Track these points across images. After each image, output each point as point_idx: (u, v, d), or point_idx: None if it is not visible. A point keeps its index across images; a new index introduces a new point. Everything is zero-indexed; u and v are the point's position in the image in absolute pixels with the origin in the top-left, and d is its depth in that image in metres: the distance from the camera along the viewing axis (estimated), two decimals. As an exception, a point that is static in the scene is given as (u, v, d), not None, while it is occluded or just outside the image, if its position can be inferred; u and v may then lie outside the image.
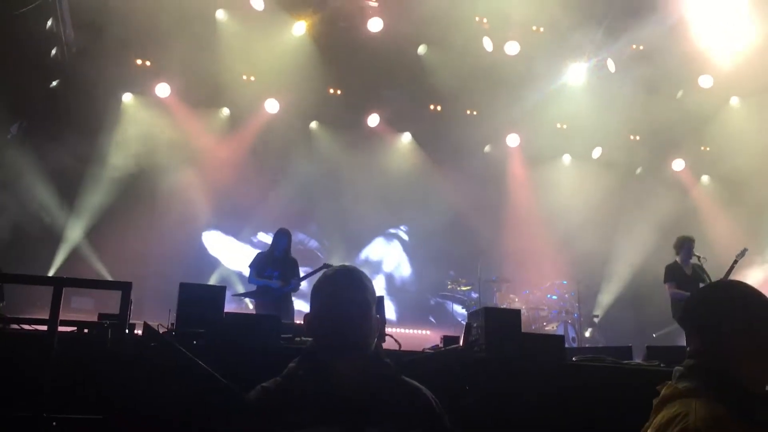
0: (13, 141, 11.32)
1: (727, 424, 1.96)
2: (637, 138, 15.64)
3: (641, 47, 13.46)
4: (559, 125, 15.39)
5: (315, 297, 2.48)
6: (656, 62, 13.43)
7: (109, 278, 12.19)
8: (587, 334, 13.42)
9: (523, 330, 6.24)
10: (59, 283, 4.76)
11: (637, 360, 6.61)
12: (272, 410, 2.27)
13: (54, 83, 11.86)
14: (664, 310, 10.05)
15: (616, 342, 11.48)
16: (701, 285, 9.60)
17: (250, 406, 2.32)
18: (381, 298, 7.05)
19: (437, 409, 2.49)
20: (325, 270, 2.61)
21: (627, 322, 14.18)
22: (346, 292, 2.42)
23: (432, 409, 2.47)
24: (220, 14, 12.43)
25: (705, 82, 14.00)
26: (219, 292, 6.18)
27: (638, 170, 16.24)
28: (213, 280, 13.22)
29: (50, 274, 11.67)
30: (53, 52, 11.34)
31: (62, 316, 4.83)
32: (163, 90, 13.36)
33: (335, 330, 2.36)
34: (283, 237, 9.74)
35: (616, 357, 6.25)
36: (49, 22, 10.78)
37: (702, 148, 15.84)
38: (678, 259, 9.78)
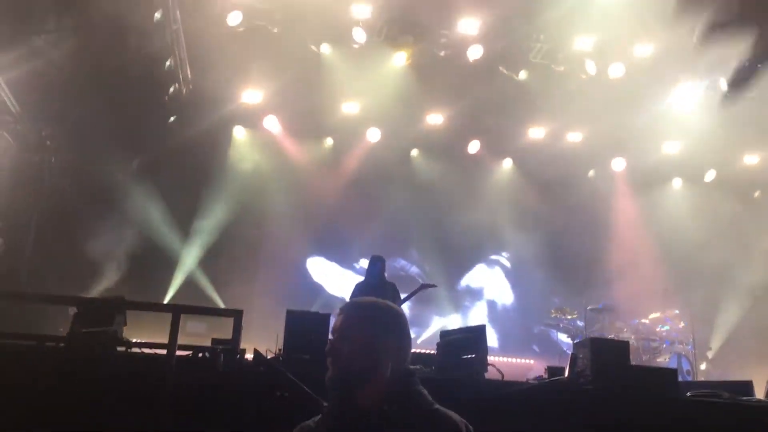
0: (134, 175, 12.09)
1: None
2: (755, 160, 14.81)
3: (758, 65, 12.76)
4: (667, 148, 14.82)
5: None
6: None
7: (220, 302, 12.77)
8: (702, 367, 12.70)
9: (632, 362, 6.04)
10: (177, 310, 5.04)
11: (758, 396, 6.21)
12: None
13: (172, 119, 12.61)
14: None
15: (735, 376, 10.81)
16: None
17: None
18: (482, 327, 7.02)
19: None
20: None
21: (747, 355, 13.32)
22: (343, 327, 2.50)
23: None
24: (325, 48, 12.86)
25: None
26: (323, 319, 6.35)
27: (756, 193, 15.34)
28: (317, 306, 13.51)
29: (167, 299, 12.32)
30: (171, 89, 12.07)
31: (178, 340, 5.12)
32: (270, 122, 13.98)
33: (337, 364, 2.46)
34: (375, 263, 9.79)
35: (735, 393, 5.91)
36: (168, 62, 11.49)
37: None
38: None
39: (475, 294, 15.40)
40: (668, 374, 6.05)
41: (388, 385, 2.43)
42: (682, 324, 12.68)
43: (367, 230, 14.25)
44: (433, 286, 10.16)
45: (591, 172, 15.62)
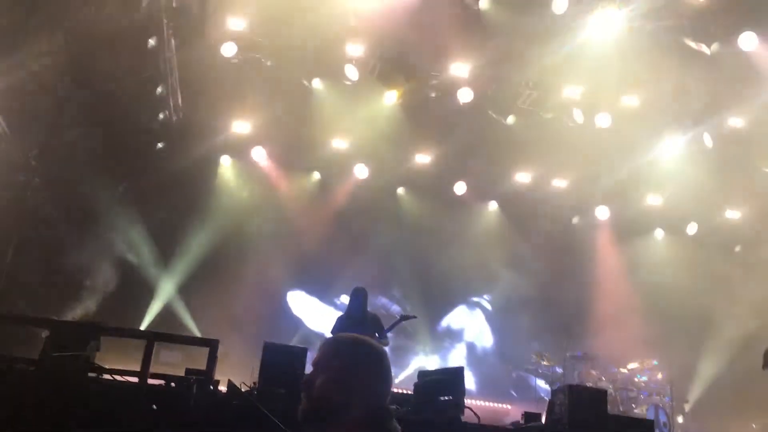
0: (119, 199, 12.00)
1: None
2: (737, 215, 15.01)
3: (740, 122, 13.01)
4: (651, 199, 15.00)
5: None
6: (756, 137, 12.94)
7: (197, 332, 12.58)
8: (680, 420, 12.64)
9: (609, 411, 6.00)
10: (152, 337, 4.97)
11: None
12: None
13: (160, 145, 12.59)
14: (765, 398, 9.40)
15: (712, 430, 10.78)
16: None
17: None
18: (461, 369, 6.97)
19: None
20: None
21: (724, 409, 13.29)
22: (320, 360, 2.45)
23: None
24: (316, 83, 12.97)
25: (810, 159, 13.36)
26: (301, 353, 6.28)
27: (737, 248, 15.50)
28: (295, 340, 13.37)
29: (143, 326, 12.14)
30: (161, 116, 12.08)
31: (151, 369, 5.03)
32: (258, 154, 14.00)
33: (310, 397, 2.40)
34: (356, 297, 9.65)
35: (711, 447, 5.88)
36: (160, 88, 11.52)
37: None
38: (780, 344, 9.19)
39: (455, 335, 15.32)
40: (645, 425, 6.02)
41: (361, 424, 2.39)
42: (660, 375, 12.66)
43: (350, 266, 14.18)
44: (413, 317, 10.09)
45: (575, 219, 15.73)
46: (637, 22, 11.03)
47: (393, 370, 2.63)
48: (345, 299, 14.31)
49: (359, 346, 2.54)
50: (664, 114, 13.12)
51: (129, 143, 11.67)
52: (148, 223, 12.36)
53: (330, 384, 2.43)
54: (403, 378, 13.64)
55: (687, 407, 13.40)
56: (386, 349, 2.72)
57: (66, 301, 10.67)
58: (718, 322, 14.07)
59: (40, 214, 10.21)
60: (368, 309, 9.79)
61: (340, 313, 10.59)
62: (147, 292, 12.71)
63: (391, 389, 2.56)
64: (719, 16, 10.86)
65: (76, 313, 10.59)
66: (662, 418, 11.90)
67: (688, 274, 14.13)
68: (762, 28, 10.75)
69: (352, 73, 12.42)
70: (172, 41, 10.91)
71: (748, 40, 10.85)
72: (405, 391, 9.45)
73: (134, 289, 12.31)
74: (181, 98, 12.32)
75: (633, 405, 12.15)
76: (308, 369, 6.46)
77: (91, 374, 5.39)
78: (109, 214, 11.63)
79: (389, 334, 9.45)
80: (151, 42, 10.34)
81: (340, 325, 9.54)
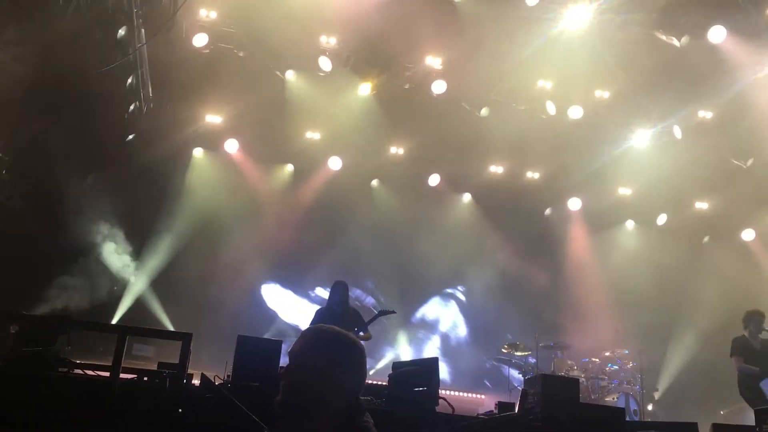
0: (89, 191, 11.82)
1: None
2: (705, 206, 15.26)
3: (709, 114, 13.23)
4: (622, 190, 15.19)
5: None
6: (725, 130, 13.17)
7: (170, 326, 12.48)
8: (650, 407, 12.84)
9: (581, 400, 6.07)
10: (124, 331, 4.91)
11: (703, 439, 6.30)
12: None
13: (130, 137, 12.41)
14: (732, 386, 9.59)
15: (681, 417, 10.97)
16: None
17: None
18: (435, 360, 6.99)
19: None
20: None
21: (693, 397, 13.56)
22: (299, 352, 2.48)
23: None
24: (290, 74, 12.88)
25: (777, 151, 13.60)
26: (275, 346, 6.24)
27: (705, 239, 15.77)
28: (270, 333, 13.33)
29: (115, 320, 12.00)
30: (131, 107, 11.89)
31: (124, 363, 4.97)
32: (231, 146, 13.88)
33: (288, 389, 2.44)
34: (338, 289, 9.68)
35: (680, 434, 5.99)
36: (130, 79, 11.33)
37: (774, 218, 15.30)
38: (746, 333, 9.40)
39: (429, 326, 15.39)
40: (616, 413, 6.10)
41: (336, 416, 2.38)
42: (631, 364, 12.86)
43: (324, 259, 14.17)
44: (392, 312, 10.10)
45: (548, 211, 15.88)
46: (608, 15, 11.11)
47: (368, 362, 2.64)
48: (320, 291, 14.37)
49: (340, 341, 2.54)
50: (635, 106, 13.26)
51: (99, 134, 11.47)
52: (119, 216, 12.19)
53: (306, 377, 2.42)
54: (378, 369, 13.68)
55: (657, 395, 13.65)
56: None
57: (35, 295, 10.49)
58: (687, 311, 14.34)
59: (8, 207, 10.02)
60: (348, 302, 9.83)
61: (315, 306, 10.58)
62: (118, 286, 12.56)
63: (365, 382, 2.56)
64: (689, 10, 10.98)
65: (45, 307, 10.42)
66: (633, 406, 12.09)
67: (658, 265, 14.36)
68: (731, 22, 10.90)
69: (325, 64, 12.35)
70: (143, 31, 10.72)
71: (717, 34, 11.00)
72: (379, 383, 9.47)
73: (105, 282, 12.15)
74: (152, 89, 12.13)
75: (604, 394, 12.34)
76: (284, 361, 6.45)
77: (61, 369, 5.31)
78: (79, 206, 11.45)
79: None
80: (121, 32, 10.14)
81: (320, 318, 9.51)
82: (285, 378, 2.43)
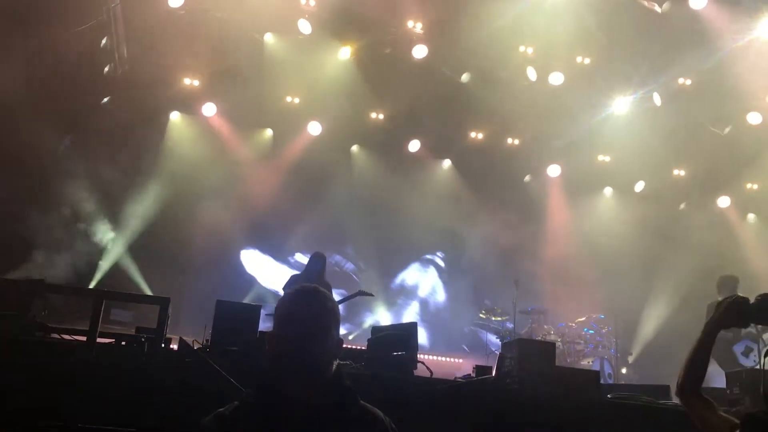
0: (64, 153, 11.62)
1: None
2: (682, 173, 15.39)
3: (688, 81, 13.27)
4: (601, 157, 15.25)
5: (275, 316, 2.44)
6: (704, 97, 13.23)
7: (149, 291, 12.41)
8: (624, 371, 13.09)
9: (557, 364, 6.16)
10: (100, 295, 4.87)
11: (675, 401, 6.43)
12: None
13: (105, 99, 12.18)
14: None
15: (654, 380, 11.20)
16: (744, 326, 9.35)
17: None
18: (414, 324, 7.05)
19: None
20: (290, 290, 2.57)
21: (665, 360, 13.82)
22: (304, 313, 2.38)
23: None
24: (268, 37, 12.66)
25: (754, 119, 13.71)
26: (254, 310, 6.25)
27: (682, 206, 15.94)
28: (249, 298, 13.32)
29: (92, 285, 11.90)
30: (106, 69, 11.66)
31: (102, 328, 4.95)
32: (209, 109, 13.65)
33: (291, 350, 2.33)
34: (317, 261, 9.81)
35: (654, 396, 6.11)
36: (104, 40, 11.09)
37: (749, 185, 15.49)
38: (720, 298, 9.56)
39: (408, 292, 15.47)
40: (591, 376, 6.21)
41: (323, 379, 2.38)
42: (606, 329, 13.06)
43: (304, 224, 14.13)
44: (370, 295, 10.20)
45: (527, 177, 15.90)
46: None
47: (347, 327, 2.63)
48: (299, 257, 14.36)
49: (334, 302, 2.54)
50: (615, 73, 13.26)
51: (73, 96, 11.24)
52: (95, 179, 12.00)
53: (322, 340, 2.40)
54: (357, 334, 13.75)
55: (631, 359, 13.88)
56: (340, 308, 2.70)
57: (9, 260, 10.35)
58: (663, 277, 14.54)
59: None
60: (324, 275, 9.90)
61: (294, 272, 10.60)
62: (95, 251, 12.44)
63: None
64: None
65: (20, 272, 10.30)
66: (607, 370, 12.31)
67: (634, 231, 14.50)
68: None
69: (305, 26, 12.16)
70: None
71: (698, 0, 10.99)
72: (358, 347, 9.54)
73: (82, 246, 12.02)
74: (127, 51, 11.89)
75: (580, 357, 12.54)
76: (262, 326, 6.45)
77: (37, 333, 5.27)
78: (55, 169, 11.27)
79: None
80: (95, -9, 9.91)
81: (292, 282, 9.64)
82: (291, 339, 2.37)
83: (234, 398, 2.39)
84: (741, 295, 3.29)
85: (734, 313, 3.05)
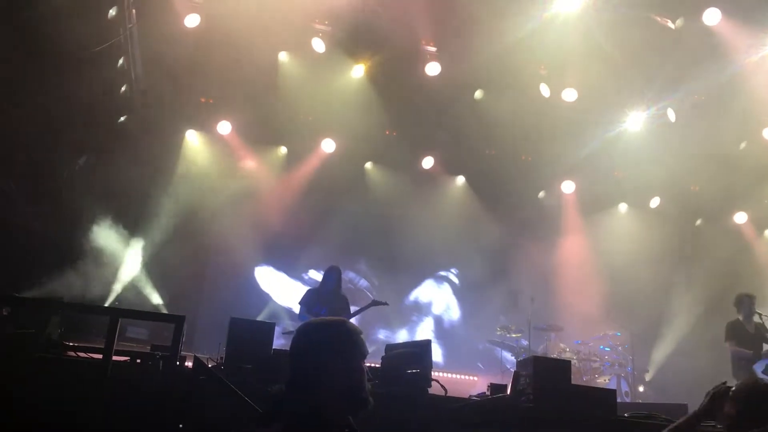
0: (79, 173, 11.73)
1: None
2: (698, 189, 15.28)
3: (703, 97, 13.22)
4: (616, 173, 15.18)
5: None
6: (718, 113, 13.15)
7: (164, 308, 12.47)
8: (641, 389, 12.95)
9: (573, 382, 6.11)
10: (116, 314, 4.89)
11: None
12: None
13: (122, 119, 12.31)
14: (723, 369, 9.67)
15: (671, 399, 11.07)
16: (765, 344, 9.28)
17: None
18: (428, 342, 7.01)
19: None
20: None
21: (683, 379, 13.65)
22: (301, 347, 2.55)
23: None
24: (282, 56, 12.78)
25: (769, 134, 13.61)
26: (268, 328, 6.26)
27: (698, 222, 15.82)
28: (263, 315, 13.35)
29: (108, 303, 11.96)
30: (123, 89, 11.78)
31: (117, 345, 4.97)
32: (224, 127, 13.77)
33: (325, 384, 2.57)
34: (332, 274, 9.79)
35: (671, 415, 6.03)
36: (121, 61, 11.21)
37: (766, 201, 15.34)
38: (740, 316, 9.48)
39: (422, 309, 15.44)
40: (607, 395, 6.14)
41: (340, 394, 2.47)
42: (622, 346, 12.94)
43: (317, 241, 14.15)
44: (385, 304, 10.15)
45: (541, 194, 15.86)
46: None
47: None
48: (313, 274, 14.38)
49: (329, 327, 2.61)
50: (629, 89, 13.23)
51: (90, 117, 11.36)
52: (111, 198, 12.11)
53: (309, 365, 2.47)
54: (371, 351, 13.67)
55: (648, 377, 13.74)
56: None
57: (27, 278, 10.44)
58: (678, 294, 14.40)
59: (-1, 189, 9.94)
60: (340, 289, 9.89)
61: (308, 288, 10.61)
62: (111, 268, 12.52)
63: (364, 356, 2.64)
64: (684, -8, 10.96)
65: (37, 290, 10.37)
66: (624, 388, 12.21)
67: (650, 247, 14.41)
68: (726, 4, 10.87)
69: (319, 45, 12.26)
70: (133, 11, 10.61)
71: (712, 16, 10.97)
72: (372, 365, 9.51)
73: (97, 264, 12.10)
74: (144, 70, 12.03)
75: (596, 375, 12.43)
76: (276, 344, 6.46)
77: (53, 351, 5.30)
78: (71, 187, 11.37)
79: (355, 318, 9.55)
80: (112, 12, 10.04)
81: (308, 297, 9.67)
82: (316, 374, 2.45)
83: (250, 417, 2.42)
84: (724, 385, 3.50)
85: (718, 403, 3.25)
